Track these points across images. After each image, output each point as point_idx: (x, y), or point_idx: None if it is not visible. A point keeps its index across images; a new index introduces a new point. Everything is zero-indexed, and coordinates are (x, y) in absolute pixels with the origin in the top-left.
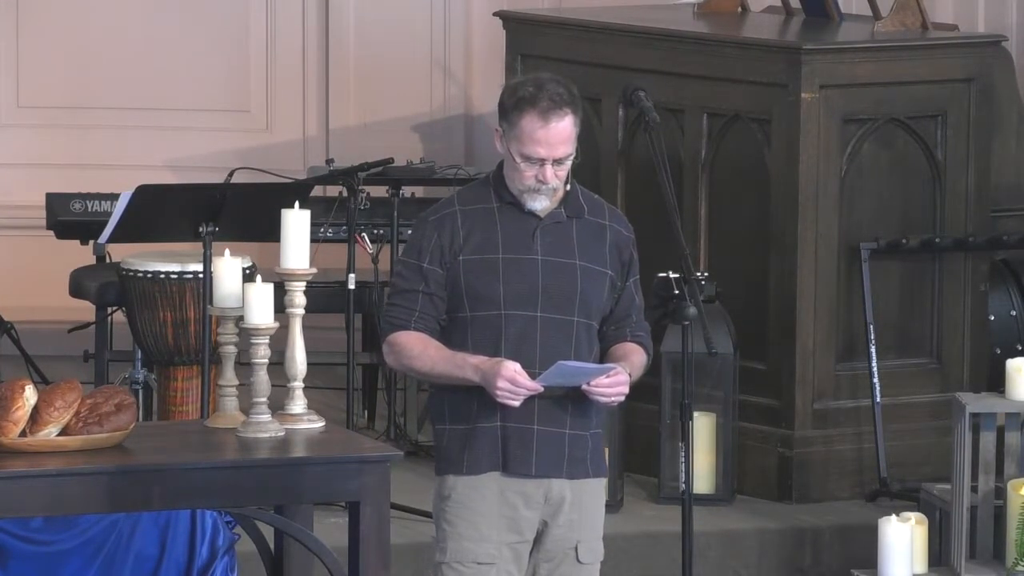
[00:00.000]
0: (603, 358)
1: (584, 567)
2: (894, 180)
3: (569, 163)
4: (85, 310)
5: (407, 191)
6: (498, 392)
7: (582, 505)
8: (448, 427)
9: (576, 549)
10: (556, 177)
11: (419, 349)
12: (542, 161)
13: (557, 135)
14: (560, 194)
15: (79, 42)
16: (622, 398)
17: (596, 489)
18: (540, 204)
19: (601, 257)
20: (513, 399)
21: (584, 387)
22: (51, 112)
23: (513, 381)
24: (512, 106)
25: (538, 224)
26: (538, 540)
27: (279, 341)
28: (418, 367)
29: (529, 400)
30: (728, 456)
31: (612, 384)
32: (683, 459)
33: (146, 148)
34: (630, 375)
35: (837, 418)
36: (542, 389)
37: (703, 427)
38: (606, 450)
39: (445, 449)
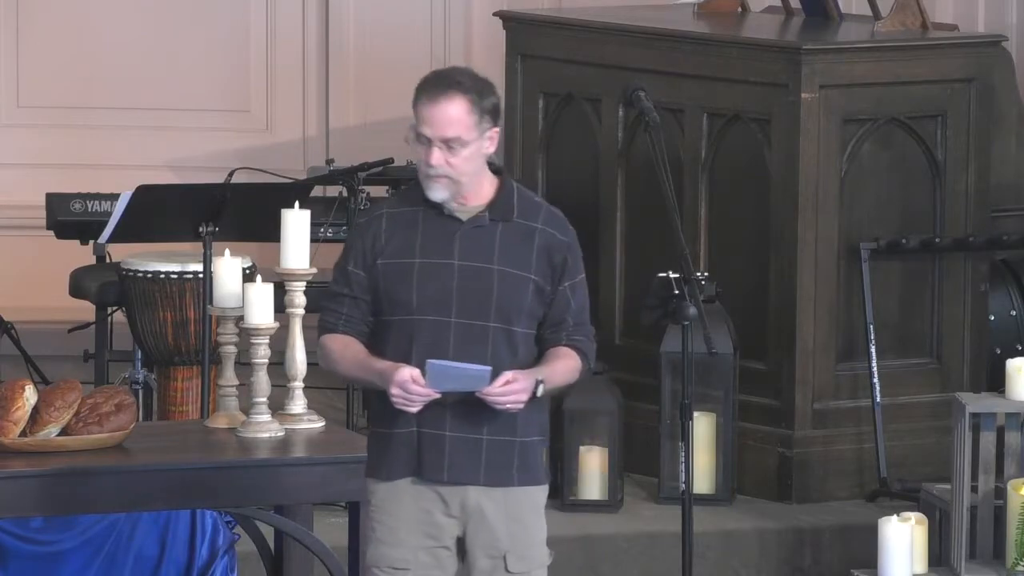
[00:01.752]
0: (538, 363)
1: None
2: (894, 180)
3: (464, 152)
4: (85, 310)
5: None
6: (392, 398)
7: (508, 515)
8: (372, 430)
9: (504, 559)
10: (447, 164)
11: (339, 353)
12: (429, 141)
13: (443, 115)
14: (466, 190)
15: (79, 42)
16: (520, 405)
17: (527, 498)
18: (438, 195)
19: (525, 261)
20: (408, 405)
21: (478, 394)
22: (51, 112)
23: (403, 387)
24: (414, 92)
25: (459, 228)
26: (464, 550)
27: (279, 341)
28: (340, 371)
29: (437, 405)
30: (728, 456)
31: (504, 392)
32: (683, 459)
33: (146, 148)
34: (542, 380)
35: (837, 418)
36: (437, 395)
37: (703, 427)
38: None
39: (369, 452)
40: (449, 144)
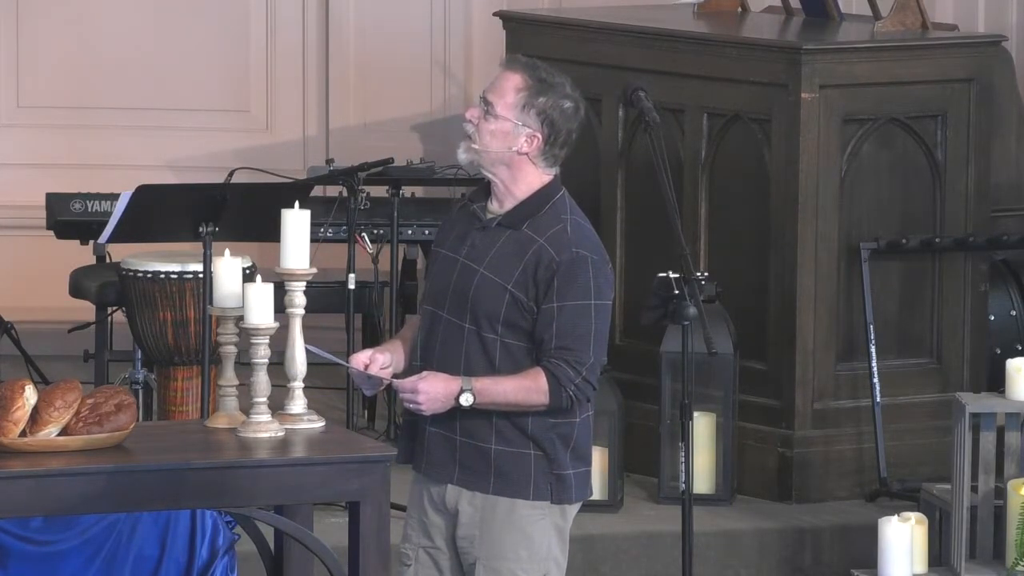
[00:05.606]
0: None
1: None
2: (894, 180)
3: (492, 124)
4: (85, 310)
5: (407, 191)
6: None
7: (483, 523)
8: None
9: (475, 567)
10: (475, 123)
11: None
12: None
13: (498, 79)
14: (486, 168)
15: (79, 42)
16: (419, 405)
17: (503, 509)
18: (461, 155)
19: (507, 272)
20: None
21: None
22: (51, 112)
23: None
24: None
25: (473, 227)
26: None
27: (279, 341)
28: None
29: None
30: (728, 456)
31: (403, 388)
32: (683, 459)
33: (146, 148)
34: (468, 389)
35: (837, 418)
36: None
37: (703, 427)
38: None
39: None
40: (486, 106)
